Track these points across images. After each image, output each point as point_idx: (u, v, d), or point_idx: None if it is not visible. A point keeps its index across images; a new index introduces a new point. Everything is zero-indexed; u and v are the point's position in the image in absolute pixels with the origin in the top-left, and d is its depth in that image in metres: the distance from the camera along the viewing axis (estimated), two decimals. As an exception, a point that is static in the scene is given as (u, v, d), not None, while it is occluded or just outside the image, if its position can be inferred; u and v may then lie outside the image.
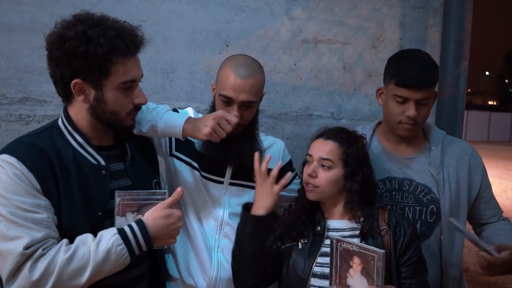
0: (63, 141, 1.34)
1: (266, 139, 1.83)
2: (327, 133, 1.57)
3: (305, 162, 1.59)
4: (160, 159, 1.76)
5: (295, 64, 2.30)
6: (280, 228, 1.59)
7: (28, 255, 1.16)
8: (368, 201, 1.56)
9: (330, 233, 1.52)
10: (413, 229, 1.52)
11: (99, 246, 1.22)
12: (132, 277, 1.41)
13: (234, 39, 2.21)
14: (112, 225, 1.31)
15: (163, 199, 1.36)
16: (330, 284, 1.41)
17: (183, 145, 1.72)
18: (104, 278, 1.25)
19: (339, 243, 1.37)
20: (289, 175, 1.63)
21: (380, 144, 1.82)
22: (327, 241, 1.50)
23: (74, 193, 1.28)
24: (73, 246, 1.21)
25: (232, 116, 1.54)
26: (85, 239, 1.23)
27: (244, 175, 1.73)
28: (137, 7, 2.07)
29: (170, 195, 1.37)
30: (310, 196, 1.54)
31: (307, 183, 1.53)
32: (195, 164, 1.71)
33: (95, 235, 1.25)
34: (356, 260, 1.33)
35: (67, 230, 1.26)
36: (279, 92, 2.29)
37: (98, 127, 1.38)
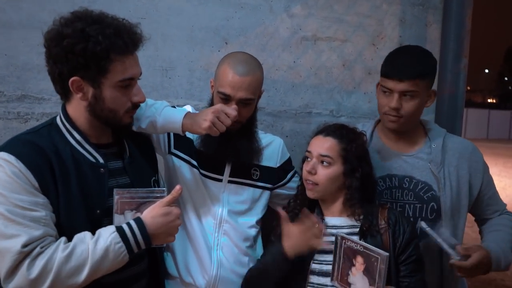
0: (62, 139, 1.34)
1: (265, 137, 1.82)
2: (327, 130, 1.57)
3: (304, 159, 1.58)
4: (159, 157, 1.75)
5: (294, 62, 2.30)
6: (280, 227, 1.58)
7: (26, 253, 1.15)
8: (368, 198, 1.56)
9: (328, 230, 1.52)
10: (412, 228, 1.52)
11: (97, 244, 1.21)
12: (130, 275, 1.40)
13: (233, 37, 2.20)
14: (111, 223, 1.31)
15: (162, 197, 1.35)
16: (332, 279, 1.41)
17: (182, 143, 1.72)
18: (102, 276, 1.25)
19: (344, 241, 1.37)
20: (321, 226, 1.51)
21: (380, 141, 1.82)
22: (326, 239, 1.50)
23: (72, 191, 1.28)
24: (71, 244, 1.21)
25: (231, 110, 1.53)
26: (83, 237, 1.23)
27: (243, 173, 1.73)
28: (136, 4, 2.06)
29: (169, 193, 1.36)
30: (310, 194, 1.54)
31: (307, 179, 1.53)
32: (194, 162, 1.71)
33: (93, 233, 1.25)
34: (359, 260, 1.33)
35: (66, 228, 1.25)
36: (278, 89, 2.29)
37: (96, 125, 1.38)
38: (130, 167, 1.46)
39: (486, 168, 1.81)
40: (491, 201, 1.82)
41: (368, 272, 1.31)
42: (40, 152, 1.26)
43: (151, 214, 1.31)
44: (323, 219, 1.55)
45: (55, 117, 1.40)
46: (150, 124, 1.57)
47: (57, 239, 1.22)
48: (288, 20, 2.27)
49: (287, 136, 2.27)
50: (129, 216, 1.32)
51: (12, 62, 1.94)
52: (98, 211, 1.32)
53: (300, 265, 1.49)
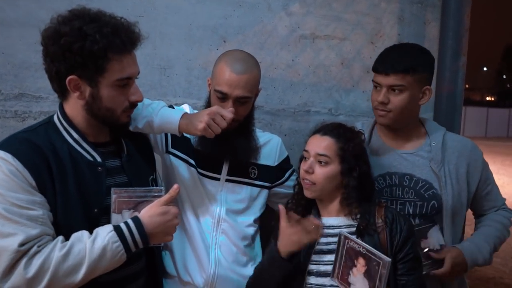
0: (59, 137, 1.33)
1: (263, 135, 1.82)
2: (324, 129, 1.56)
3: (302, 158, 1.58)
4: (157, 156, 1.75)
5: (293, 60, 2.29)
6: (278, 227, 1.58)
7: (23, 252, 1.15)
8: (366, 197, 1.56)
9: (326, 230, 1.52)
10: (409, 226, 1.51)
11: (95, 243, 1.21)
12: (128, 274, 1.40)
13: (231, 35, 2.19)
14: (109, 222, 1.31)
15: (159, 196, 1.35)
16: (332, 276, 1.41)
17: (180, 142, 1.71)
18: (100, 275, 1.25)
19: (347, 241, 1.37)
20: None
21: (379, 139, 1.82)
22: (323, 239, 1.51)
23: (70, 190, 1.27)
24: (68, 243, 1.20)
25: (228, 112, 1.53)
26: (81, 236, 1.23)
27: (241, 172, 1.72)
28: (134, 2, 2.05)
29: (166, 192, 1.36)
30: (308, 194, 1.54)
31: (304, 179, 1.53)
32: (192, 161, 1.71)
33: (91, 232, 1.25)
34: (361, 261, 1.33)
35: (63, 227, 1.25)
36: (276, 88, 2.28)
37: (94, 123, 1.37)
38: (128, 165, 1.46)
39: (485, 165, 1.82)
40: (488, 197, 1.83)
41: (369, 274, 1.31)
42: (37, 151, 1.25)
43: (149, 213, 1.30)
44: (320, 220, 1.55)
45: (52, 116, 1.39)
46: (147, 124, 1.57)
47: (54, 238, 1.22)
48: (286, 18, 2.26)
49: (285, 135, 2.27)
50: (127, 215, 1.32)
51: (10, 60, 1.93)
52: (95, 210, 1.31)
53: (298, 266, 1.49)
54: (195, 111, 1.78)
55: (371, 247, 1.33)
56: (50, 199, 1.24)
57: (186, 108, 1.78)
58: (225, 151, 1.65)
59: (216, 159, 1.69)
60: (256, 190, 1.76)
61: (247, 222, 1.74)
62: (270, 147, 1.81)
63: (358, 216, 1.51)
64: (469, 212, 1.87)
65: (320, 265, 1.47)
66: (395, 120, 1.70)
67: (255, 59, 1.69)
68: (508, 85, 61.36)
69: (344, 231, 1.47)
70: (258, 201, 1.78)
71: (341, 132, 1.54)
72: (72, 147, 1.33)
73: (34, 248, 1.16)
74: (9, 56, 1.93)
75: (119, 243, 1.23)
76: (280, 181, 1.82)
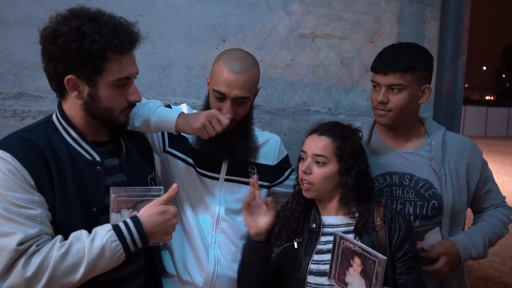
0: (58, 136, 1.33)
1: (262, 135, 1.82)
2: (321, 129, 1.56)
3: (300, 159, 1.58)
4: (155, 156, 1.75)
5: (292, 59, 2.29)
6: (277, 226, 1.58)
7: (22, 251, 1.15)
8: (365, 196, 1.56)
9: (325, 229, 1.52)
10: (408, 225, 1.51)
11: (94, 242, 1.21)
12: (128, 273, 1.40)
13: (231, 34, 2.19)
14: (107, 221, 1.30)
15: (158, 196, 1.35)
16: (329, 277, 1.41)
17: (177, 141, 1.71)
18: (99, 274, 1.24)
19: (342, 241, 1.37)
20: (255, 177, 1.62)
21: (379, 138, 1.82)
22: (323, 238, 1.50)
23: (68, 189, 1.27)
24: (67, 242, 1.20)
25: (224, 118, 1.53)
26: (80, 235, 1.22)
27: (240, 171, 1.72)
28: (133, 2, 2.05)
29: (165, 191, 1.36)
30: (307, 194, 1.53)
31: (302, 179, 1.53)
32: (190, 160, 1.71)
33: (90, 231, 1.24)
34: (357, 261, 1.33)
35: (62, 226, 1.25)
36: (276, 87, 2.28)
37: (92, 123, 1.37)
38: (126, 165, 1.46)
39: (484, 164, 1.82)
40: (488, 195, 1.83)
41: (365, 273, 1.30)
42: (36, 150, 1.25)
43: (148, 212, 1.30)
44: (320, 220, 1.55)
45: (51, 115, 1.39)
46: (144, 122, 1.57)
47: (53, 237, 1.22)
48: (286, 18, 2.26)
49: (285, 134, 2.27)
50: (126, 215, 1.32)
51: (9, 60, 1.93)
52: (94, 209, 1.31)
53: (298, 265, 1.49)
54: (194, 111, 1.78)
55: (366, 246, 1.33)
56: (48, 198, 1.23)
57: (184, 107, 1.78)
58: (224, 150, 1.65)
59: (215, 158, 1.69)
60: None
61: (246, 221, 1.74)
62: (269, 147, 1.81)
63: (357, 215, 1.50)
64: (469, 211, 1.87)
65: (320, 265, 1.46)
66: (395, 120, 1.70)
67: (254, 58, 1.68)
68: (508, 85, 61.38)
69: (339, 231, 1.47)
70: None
71: (337, 131, 1.53)
72: (71, 146, 1.33)
73: (33, 248, 1.16)
74: (8, 55, 1.93)
75: (117, 242, 1.23)
76: (279, 180, 1.82)
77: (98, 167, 1.35)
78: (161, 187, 1.40)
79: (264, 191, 1.79)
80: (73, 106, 1.35)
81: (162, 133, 1.72)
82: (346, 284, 1.35)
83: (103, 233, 1.23)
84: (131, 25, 1.34)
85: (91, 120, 1.36)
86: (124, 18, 1.35)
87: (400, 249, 1.47)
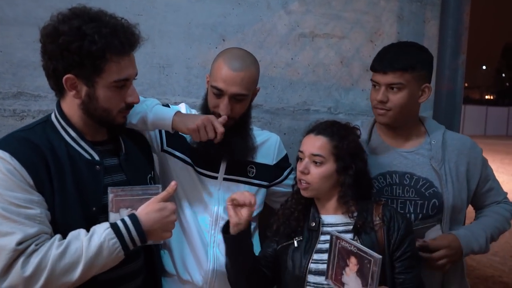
0: (57, 135, 1.33)
1: (261, 134, 1.82)
2: (318, 128, 1.55)
3: (298, 159, 1.58)
4: (154, 155, 1.74)
5: (292, 59, 2.29)
6: (275, 224, 1.58)
7: (21, 251, 1.15)
8: (363, 194, 1.55)
9: (325, 228, 1.52)
10: (407, 224, 1.50)
11: (92, 240, 1.20)
12: (127, 273, 1.40)
13: (230, 33, 2.19)
14: (107, 220, 1.29)
15: (156, 194, 1.35)
16: (326, 278, 1.41)
17: (175, 140, 1.71)
18: (99, 273, 1.24)
19: (339, 241, 1.37)
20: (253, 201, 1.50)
21: (379, 137, 1.82)
22: (322, 237, 1.50)
23: (68, 188, 1.27)
24: (65, 241, 1.20)
25: (220, 126, 1.52)
26: (78, 234, 1.22)
27: (239, 170, 1.72)
28: (133, 1, 2.04)
29: (164, 190, 1.35)
30: (305, 193, 1.53)
31: (300, 179, 1.53)
32: (188, 160, 1.71)
33: (89, 231, 1.24)
34: (353, 260, 1.32)
35: (61, 226, 1.24)
36: (276, 87, 2.28)
37: (91, 122, 1.37)
38: (126, 164, 1.45)
39: (484, 162, 1.82)
40: (489, 193, 1.83)
41: (361, 273, 1.30)
42: (35, 149, 1.25)
43: (146, 210, 1.30)
44: (319, 218, 1.54)
45: (50, 114, 1.39)
46: (141, 119, 1.57)
47: (52, 237, 1.22)
48: (285, 17, 2.26)
49: (285, 134, 2.27)
50: (124, 214, 1.31)
51: (8, 59, 1.92)
52: (94, 209, 1.31)
53: (298, 264, 1.49)
54: (193, 110, 1.78)
55: (362, 246, 1.33)
56: (48, 197, 1.23)
57: (183, 107, 1.79)
58: (221, 150, 1.65)
59: (213, 157, 1.69)
60: (254, 189, 1.75)
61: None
62: (268, 146, 1.81)
63: (355, 214, 1.50)
64: (469, 210, 1.87)
65: (319, 264, 1.46)
66: (394, 119, 1.70)
67: (254, 57, 1.68)
68: (507, 84, 61.39)
69: (338, 230, 1.47)
70: (256, 200, 1.77)
71: (334, 131, 1.53)
72: (70, 145, 1.33)
73: (32, 247, 1.16)
74: (8, 55, 1.92)
75: (115, 240, 1.22)
76: (278, 179, 1.82)
77: (97, 167, 1.35)
78: (159, 185, 1.40)
79: (262, 191, 1.79)
80: (71, 105, 1.34)
81: (160, 132, 1.72)
82: (343, 284, 1.35)
83: (101, 231, 1.22)
84: (132, 27, 1.34)
85: (89, 120, 1.36)
86: (126, 19, 1.34)
87: (398, 249, 1.46)
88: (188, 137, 1.70)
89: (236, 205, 1.47)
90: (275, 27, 2.24)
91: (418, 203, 1.71)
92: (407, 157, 1.76)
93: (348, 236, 1.46)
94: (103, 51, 1.25)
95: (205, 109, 1.68)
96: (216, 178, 1.70)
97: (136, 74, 1.39)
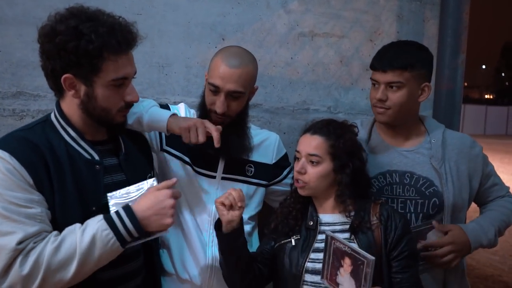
0: (56, 135, 1.33)
1: (261, 133, 1.82)
2: (314, 127, 1.55)
3: (295, 158, 1.58)
4: (153, 155, 1.74)
5: (291, 58, 2.29)
6: (274, 222, 1.58)
7: (21, 250, 1.15)
8: (361, 193, 1.55)
9: (322, 228, 1.51)
10: (404, 223, 1.50)
11: (85, 233, 1.19)
12: (127, 272, 1.40)
13: (230, 33, 2.19)
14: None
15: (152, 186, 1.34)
16: (322, 277, 1.41)
17: (174, 140, 1.71)
18: (98, 272, 1.24)
19: (333, 241, 1.37)
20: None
21: (379, 137, 1.82)
22: (320, 236, 1.50)
23: (67, 188, 1.27)
24: (60, 236, 1.20)
25: (215, 129, 1.50)
26: (73, 228, 1.22)
27: (237, 169, 1.72)
28: (132, 0, 2.04)
29: None
30: (301, 192, 1.53)
31: (297, 179, 1.52)
32: (187, 159, 1.70)
33: None
34: (347, 261, 1.33)
35: (61, 225, 1.24)
36: (275, 86, 2.28)
37: (90, 121, 1.37)
38: (125, 163, 1.45)
39: (485, 159, 1.82)
40: (492, 189, 1.84)
41: (355, 274, 1.30)
42: (34, 149, 1.25)
43: (139, 200, 1.29)
44: (317, 217, 1.54)
45: (49, 114, 1.39)
46: (137, 120, 1.57)
47: None
48: (285, 16, 2.26)
49: (284, 133, 2.26)
50: None
51: (7, 59, 1.92)
52: (93, 208, 1.30)
53: (295, 263, 1.49)
54: (192, 110, 1.78)
55: (356, 246, 1.33)
56: (48, 197, 1.23)
57: (182, 107, 1.78)
58: (218, 149, 1.64)
59: (211, 156, 1.69)
60: (252, 188, 1.75)
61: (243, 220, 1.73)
62: (267, 145, 1.81)
63: (352, 213, 1.50)
64: (470, 209, 1.86)
65: (316, 263, 1.46)
66: (394, 117, 1.70)
67: (252, 56, 1.68)
68: (507, 83, 61.39)
69: (335, 229, 1.46)
70: (254, 199, 1.77)
71: (331, 130, 1.52)
72: (70, 145, 1.33)
73: (30, 245, 1.16)
74: (7, 55, 1.92)
75: (108, 230, 1.21)
76: (277, 179, 1.81)
77: (97, 166, 1.35)
78: (154, 177, 1.39)
79: (261, 190, 1.79)
80: (71, 105, 1.34)
81: (159, 132, 1.72)
82: (337, 284, 1.35)
83: (94, 223, 1.22)
84: (130, 25, 1.33)
85: (89, 119, 1.36)
86: (123, 18, 1.34)
87: (395, 248, 1.46)
88: None
89: (225, 205, 1.46)
90: (274, 26, 2.24)
91: (418, 202, 1.71)
92: (407, 156, 1.76)
93: (345, 235, 1.46)
94: (100, 50, 1.25)
95: (202, 106, 1.68)
96: (214, 177, 1.70)
97: (135, 73, 1.39)
